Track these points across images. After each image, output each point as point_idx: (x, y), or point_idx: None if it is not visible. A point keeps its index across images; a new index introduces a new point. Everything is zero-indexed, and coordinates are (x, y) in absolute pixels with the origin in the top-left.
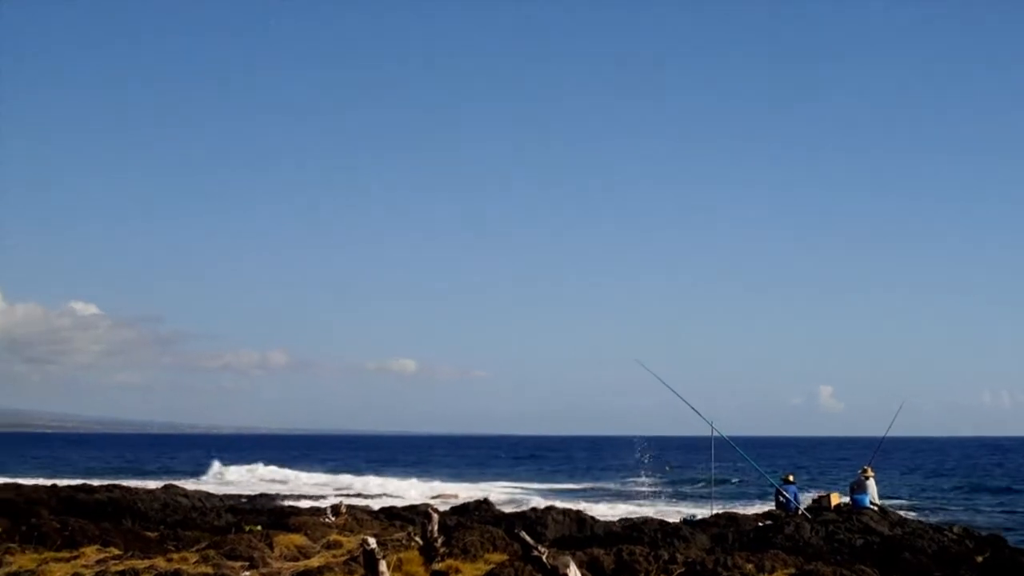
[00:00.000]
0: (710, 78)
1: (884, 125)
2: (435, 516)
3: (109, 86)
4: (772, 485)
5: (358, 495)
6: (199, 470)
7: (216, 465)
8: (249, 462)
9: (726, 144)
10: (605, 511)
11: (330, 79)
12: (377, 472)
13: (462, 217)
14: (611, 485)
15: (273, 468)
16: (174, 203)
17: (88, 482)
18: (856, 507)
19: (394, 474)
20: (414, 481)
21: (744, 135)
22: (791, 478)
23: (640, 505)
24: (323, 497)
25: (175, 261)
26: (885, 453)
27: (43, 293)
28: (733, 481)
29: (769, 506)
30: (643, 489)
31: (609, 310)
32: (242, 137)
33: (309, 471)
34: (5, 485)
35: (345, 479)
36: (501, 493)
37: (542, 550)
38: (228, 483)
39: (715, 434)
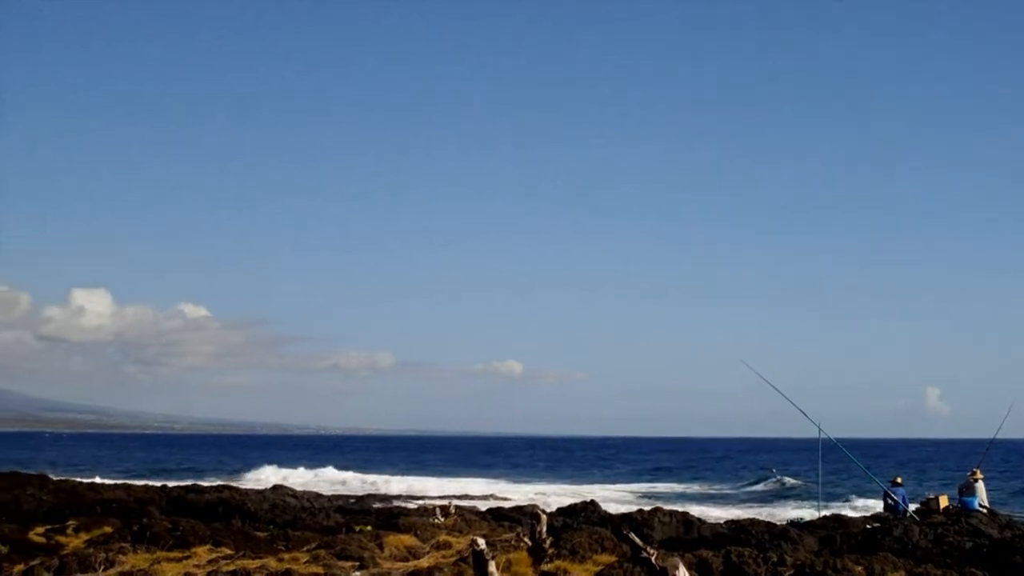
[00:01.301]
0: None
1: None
2: (544, 517)
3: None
4: (880, 488)
5: (464, 496)
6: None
7: (268, 468)
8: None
9: (824, 145)
10: (711, 513)
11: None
12: (482, 473)
13: (568, 221)
14: (716, 487)
15: (331, 470)
16: (283, 207)
17: (198, 483)
18: (965, 509)
19: (497, 475)
20: (518, 483)
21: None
22: (899, 480)
23: (747, 507)
24: (430, 498)
25: (284, 264)
26: (994, 456)
27: (153, 296)
28: (774, 471)
29: (876, 508)
30: (749, 491)
31: (713, 312)
32: (347, 141)
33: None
34: (115, 485)
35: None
36: (606, 494)
37: (651, 551)
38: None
39: (822, 436)
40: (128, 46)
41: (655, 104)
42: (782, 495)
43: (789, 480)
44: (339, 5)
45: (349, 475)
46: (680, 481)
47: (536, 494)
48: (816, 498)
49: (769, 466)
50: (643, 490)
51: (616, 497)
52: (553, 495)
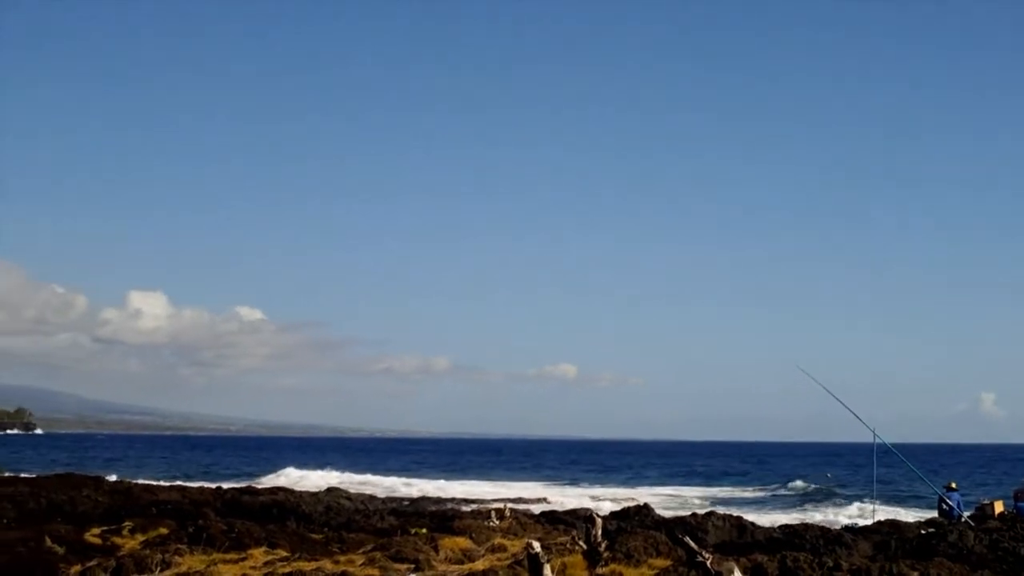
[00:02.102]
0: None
1: None
2: (599, 521)
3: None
4: (935, 492)
5: (518, 499)
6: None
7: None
8: (409, 467)
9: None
10: (764, 517)
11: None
12: (535, 476)
13: (623, 224)
14: (769, 491)
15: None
16: (338, 211)
17: (252, 485)
18: (1021, 515)
19: (550, 479)
20: (571, 486)
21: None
22: (954, 485)
23: (800, 510)
24: (484, 501)
25: (339, 268)
26: None
27: (209, 298)
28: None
29: (930, 513)
30: (800, 495)
31: (769, 318)
32: (399, 144)
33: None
34: (170, 487)
35: (496, 485)
36: (659, 498)
37: (706, 555)
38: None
39: (877, 441)
40: (187, 49)
41: (707, 110)
42: (832, 499)
43: (833, 486)
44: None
45: (392, 480)
46: (737, 485)
47: (589, 497)
48: (872, 502)
49: (825, 472)
50: (697, 494)
51: (669, 501)
52: (606, 498)
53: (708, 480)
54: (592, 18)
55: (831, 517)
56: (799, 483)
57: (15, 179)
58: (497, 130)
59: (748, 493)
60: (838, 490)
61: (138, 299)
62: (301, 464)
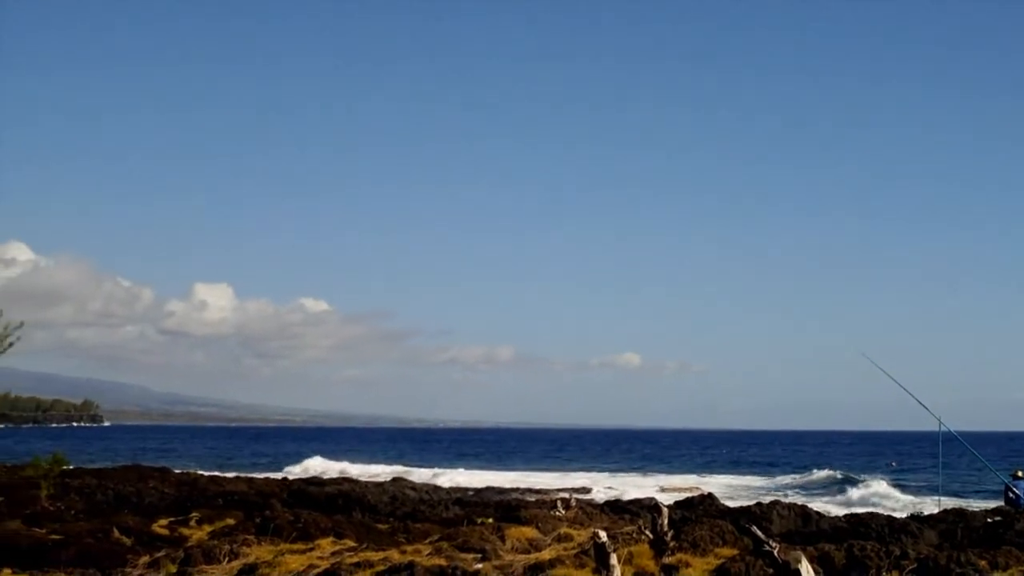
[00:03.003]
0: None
1: None
2: (665, 510)
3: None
4: (1001, 481)
5: (582, 488)
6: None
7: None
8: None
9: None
10: (828, 505)
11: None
12: (598, 466)
13: (682, 214)
14: (832, 479)
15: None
16: (402, 201)
17: (318, 475)
18: None
19: (613, 468)
20: (634, 475)
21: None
22: (1020, 474)
23: (863, 500)
24: (548, 490)
25: (404, 259)
26: None
27: (274, 290)
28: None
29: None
30: (865, 484)
31: (833, 306)
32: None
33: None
34: (236, 478)
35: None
36: (722, 487)
37: (773, 545)
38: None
39: (942, 429)
40: (238, 44)
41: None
42: (899, 488)
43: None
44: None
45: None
46: (800, 474)
47: (653, 486)
48: (937, 490)
49: (889, 460)
50: (763, 482)
51: (735, 489)
52: (669, 487)
53: (771, 468)
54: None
55: (894, 505)
56: (823, 472)
57: (80, 172)
58: (560, 123)
59: (811, 480)
60: (857, 477)
61: (203, 291)
62: (332, 456)
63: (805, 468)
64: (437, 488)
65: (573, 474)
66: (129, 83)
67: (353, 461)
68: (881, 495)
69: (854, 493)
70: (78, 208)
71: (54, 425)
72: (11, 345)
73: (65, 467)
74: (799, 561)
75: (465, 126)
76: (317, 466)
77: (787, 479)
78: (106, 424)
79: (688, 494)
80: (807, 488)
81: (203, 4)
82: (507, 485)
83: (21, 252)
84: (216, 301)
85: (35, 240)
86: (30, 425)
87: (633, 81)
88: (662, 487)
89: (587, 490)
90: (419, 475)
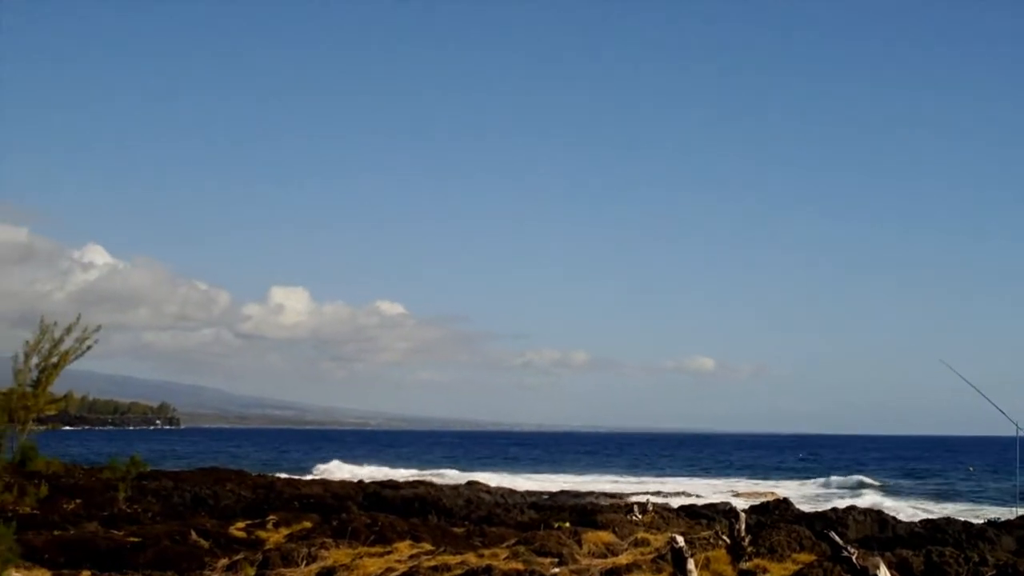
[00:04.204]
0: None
1: None
2: (743, 515)
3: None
4: None
5: (657, 492)
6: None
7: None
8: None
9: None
10: (903, 510)
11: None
12: (671, 470)
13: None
14: (907, 485)
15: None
16: (478, 208)
17: (393, 478)
18: None
19: (687, 472)
20: (708, 479)
21: None
22: None
23: (941, 505)
24: (622, 495)
25: (480, 262)
26: None
27: (350, 293)
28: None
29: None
30: (935, 488)
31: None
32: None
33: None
34: (312, 481)
35: (632, 479)
36: (795, 492)
37: (852, 550)
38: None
39: (1020, 434)
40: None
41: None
42: (976, 494)
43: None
44: None
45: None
46: (875, 478)
47: (727, 491)
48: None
49: (968, 465)
50: (837, 487)
51: (808, 494)
52: (743, 492)
53: (846, 472)
54: None
55: (971, 511)
56: (837, 478)
57: (158, 177)
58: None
59: (886, 485)
60: (870, 480)
61: (280, 294)
62: (358, 460)
63: (880, 472)
64: (512, 492)
65: (646, 478)
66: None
67: (376, 464)
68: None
69: (929, 498)
70: (155, 211)
71: (131, 427)
72: (89, 348)
73: (142, 469)
74: (878, 567)
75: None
76: (335, 470)
77: (862, 484)
78: (182, 427)
79: (763, 499)
80: (880, 491)
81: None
82: (596, 488)
83: (99, 255)
84: (293, 304)
85: (112, 243)
86: (107, 427)
87: (724, 86)
88: (736, 491)
89: (661, 494)
90: (451, 477)
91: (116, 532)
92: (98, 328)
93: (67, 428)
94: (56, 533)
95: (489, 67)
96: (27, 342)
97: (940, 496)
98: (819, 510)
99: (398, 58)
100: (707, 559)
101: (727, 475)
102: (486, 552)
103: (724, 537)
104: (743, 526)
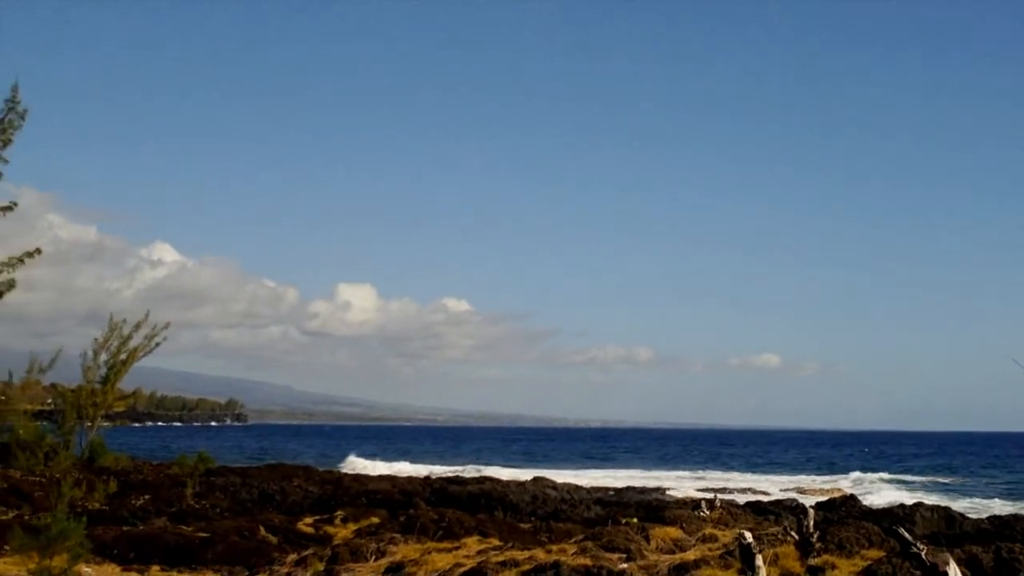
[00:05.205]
0: None
1: None
2: (811, 512)
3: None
4: None
5: (722, 489)
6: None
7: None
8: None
9: None
10: (971, 507)
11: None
12: (734, 466)
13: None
14: (974, 481)
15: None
16: (542, 206)
17: (460, 474)
18: None
19: (751, 468)
20: (772, 475)
21: None
22: None
23: (1010, 503)
24: (687, 490)
25: (545, 260)
26: None
27: (416, 290)
28: None
29: None
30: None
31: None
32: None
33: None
34: (379, 476)
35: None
36: (861, 488)
37: (921, 547)
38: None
39: None
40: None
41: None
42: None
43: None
44: None
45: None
46: (943, 475)
47: (791, 487)
48: None
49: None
50: (905, 482)
51: (874, 490)
52: (808, 489)
53: (911, 469)
54: None
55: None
56: (856, 474)
57: (225, 176)
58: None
59: (956, 481)
60: (936, 478)
61: (347, 291)
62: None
63: (944, 469)
64: (577, 488)
65: (711, 473)
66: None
67: (391, 460)
68: None
69: (998, 495)
70: (223, 209)
71: (198, 424)
72: (157, 345)
73: (210, 465)
74: (947, 563)
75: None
76: (355, 465)
77: (929, 480)
78: (250, 423)
79: (828, 495)
80: (947, 489)
81: None
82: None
83: (167, 253)
84: (359, 302)
85: (180, 241)
86: (175, 424)
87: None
88: (800, 488)
89: (726, 490)
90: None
91: (184, 528)
92: (166, 325)
93: (135, 424)
94: (125, 528)
95: (562, 69)
96: (96, 339)
97: (1009, 493)
98: (885, 506)
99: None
100: (775, 555)
101: (791, 472)
102: (554, 548)
103: (792, 533)
104: (811, 522)
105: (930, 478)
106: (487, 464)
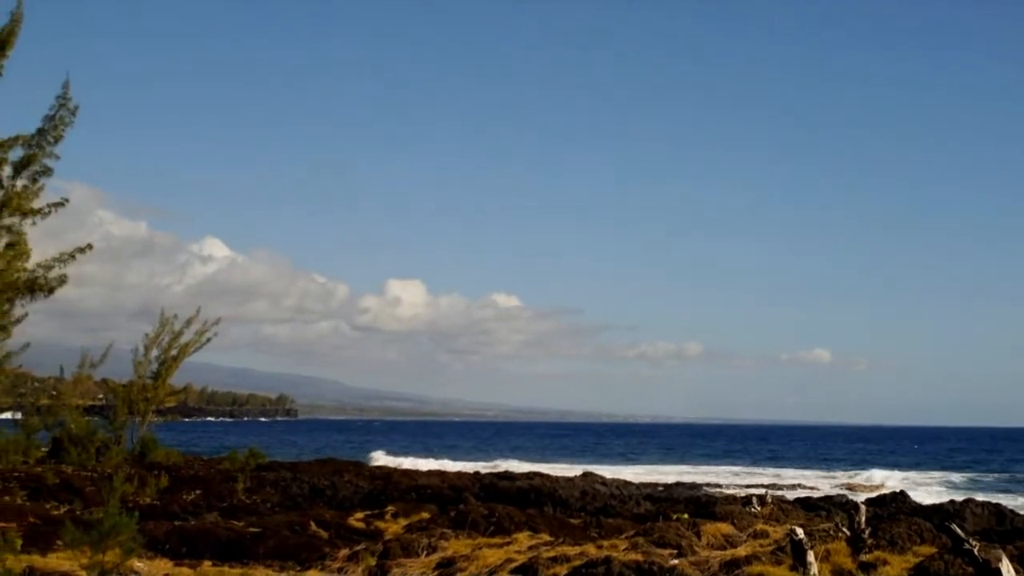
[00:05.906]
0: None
1: None
2: (863, 508)
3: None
4: None
5: (772, 485)
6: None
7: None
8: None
9: None
10: (1021, 505)
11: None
12: (785, 462)
13: (868, 214)
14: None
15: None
16: (590, 200)
17: (509, 470)
18: None
19: (801, 464)
20: (821, 471)
21: None
22: None
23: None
24: (736, 486)
25: (594, 255)
26: None
27: (466, 286)
28: None
29: None
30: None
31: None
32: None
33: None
34: (429, 472)
35: (747, 470)
36: (911, 484)
37: (973, 543)
38: None
39: None
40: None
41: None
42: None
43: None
44: None
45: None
46: (991, 471)
47: (842, 484)
48: None
49: None
50: (955, 479)
51: (925, 486)
52: (858, 484)
53: (960, 465)
54: None
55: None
56: (950, 472)
57: (275, 172)
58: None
59: (1003, 477)
60: (985, 476)
61: (397, 287)
62: (401, 450)
63: (993, 465)
64: (627, 483)
65: (760, 469)
66: (320, 94)
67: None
68: None
69: None
70: (273, 205)
71: (248, 419)
72: (208, 340)
73: (260, 460)
74: (1000, 560)
75: (644, 128)
76: (379, 461)
77: (978, 477)
78: (301, 418)
79: (878, 491)
80: (995, 487)
81: None
82: (698, 480)
83: (218, 248)
84: (409, 297)
85: (231, 237)
86: (226, 419)
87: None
88: (850, 484)
89: (776, 486)
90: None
91: (236, 522)
92: (217, 321)
93: (186, 420)
94: (176, 523)
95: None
96: (147, 335)
97: None
98: (935, 503)
99: (523, 55)
100: (827, 551)
101: (842, 467)
102: (605, 543)
103: (844, 529)
104: (863, 518)
105: (979, 475)
106: (535, 462)
